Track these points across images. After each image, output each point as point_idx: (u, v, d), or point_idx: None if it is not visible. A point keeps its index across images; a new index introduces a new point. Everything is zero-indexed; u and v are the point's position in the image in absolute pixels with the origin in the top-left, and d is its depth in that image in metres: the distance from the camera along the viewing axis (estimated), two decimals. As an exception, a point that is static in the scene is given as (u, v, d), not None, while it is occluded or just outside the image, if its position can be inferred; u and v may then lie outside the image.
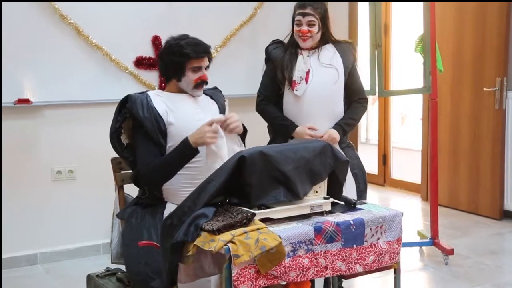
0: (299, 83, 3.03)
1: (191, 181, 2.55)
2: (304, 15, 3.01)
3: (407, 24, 6.33)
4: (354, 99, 3.15)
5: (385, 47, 6.03)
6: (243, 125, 2.65)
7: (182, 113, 2.61)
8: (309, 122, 3.04)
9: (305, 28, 3.01)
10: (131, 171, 2.76)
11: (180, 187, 2.58)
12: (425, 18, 4.02)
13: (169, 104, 2.62)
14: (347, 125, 3.10)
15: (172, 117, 2.58)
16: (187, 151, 2.50)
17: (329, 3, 3.79)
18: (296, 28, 3.05)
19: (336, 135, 3.04)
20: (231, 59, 4.21)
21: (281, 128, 3.12)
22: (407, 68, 6.65)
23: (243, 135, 2.71)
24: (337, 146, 3.00)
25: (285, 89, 3.09)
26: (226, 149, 2.49)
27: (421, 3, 4.04)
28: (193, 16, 4.12)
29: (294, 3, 3.09)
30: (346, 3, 4.85)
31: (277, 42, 3.20)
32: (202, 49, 2.65)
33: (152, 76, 4.07)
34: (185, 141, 2.50)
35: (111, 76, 3.97)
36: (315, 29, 3.02)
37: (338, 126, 3.08)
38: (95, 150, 3.91)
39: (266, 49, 3.20)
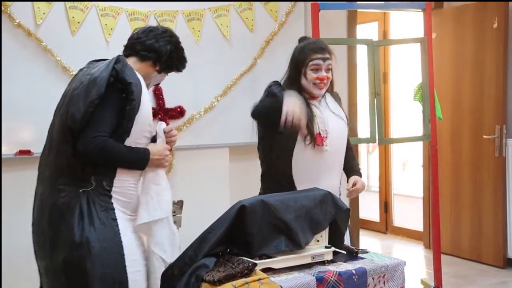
0: (326, 137, 2.73)
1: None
2: (324, 59, 2.73)
3: (406, 72, 6.41)
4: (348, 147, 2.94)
5: (384, 94, 6.10)
6: None
7: (146, 110, 2.46)
8: (328, 176, 2.76)
9: (325, 74, 2.73)
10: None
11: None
12: (423, 66, 4.08)
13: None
14: (359, 169, 2.96)
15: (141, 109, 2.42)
16: (141, 164, 2.43)
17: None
18: (313, 74, 2.72)
19: (362, 182, 2.87)
20: (232, 108, 4.25)
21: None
22: (407, 115, 6.70)
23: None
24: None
25: (305, 144, 2.70)
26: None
27: (419, 51, 4.11)
28: (194, 66, 4.16)
29: (291, 48, 2.87)
30: (345, 50, 4.92)
31: (278, 85, 2.82)
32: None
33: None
34: (146, 155, 2.42)
35: (112, 126, 3.99)
36: (331, 74, 2.78)
37: (357, 173, 2.91)
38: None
39: (270, 89, 2.78)
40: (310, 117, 2.67)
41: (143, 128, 2.45)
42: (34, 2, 3.61)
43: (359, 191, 2.83)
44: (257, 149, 2.90)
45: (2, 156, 3.59)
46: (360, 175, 2.90)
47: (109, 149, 2.32)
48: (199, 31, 4.14)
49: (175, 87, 4.09)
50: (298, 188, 2.68)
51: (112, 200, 2.40)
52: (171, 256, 2.45)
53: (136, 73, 2.44)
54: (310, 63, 2.72)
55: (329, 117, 2.77)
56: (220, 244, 2.15)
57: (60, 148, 2.37)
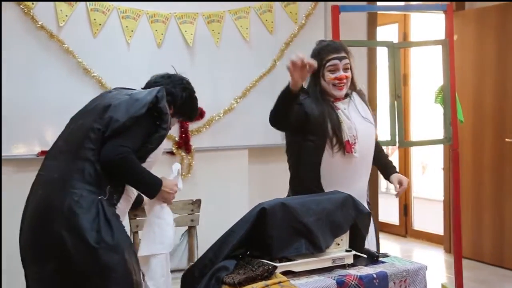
0: (355, 143, 2.66)
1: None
2: (341, 59, 2.68)
3: (426, 74, 6.36)
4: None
5: (404, 97, 6.05)
6: None
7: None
8: (357, 181, 2.73)
9: (343, 73, 2.68)
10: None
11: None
12: (445, 69, 4.04)
13: None
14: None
15: None
16: (153, 190, 2.47)
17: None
18: (330, 75, 2.67)
19: (405, 178, 2.91)
20: (251, 110, 4.24)
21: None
22: (426, 118, 6.65)
23: None
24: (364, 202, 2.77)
25: (334, 151, 2.65)
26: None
27: (440, 53, 4.07)
28: (214, 68, 4.18)
29: (311, 50, 2.80)
30: (365, 52, 4.89)
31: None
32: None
33: (173, 127, 4.08)
34: (159, 183, 2.48)
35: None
36: (350, 74, 2.71)
37: (395, 170, 2.96)
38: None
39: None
40: (337, 124, 2.63)
41: (157, 157, 2.54)
42: (57, 4, 3.65)
43: (405, 188, 2.88)
44: (285, 152, 2.86)
45: (24, 157, 3.63)
46: (397, 171, 2.93)
47: (130, 163, 2.35)
48: (219, 33, 4.14)
49: (195, 89, 4.10)
50: None
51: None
52: None
53: None
54: (327, 64, 2.68)
55: (357, 121, 2.71)
56: (240, 246, 2.15)
57: (81, 154, 2.35)
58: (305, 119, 2.62)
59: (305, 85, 2.72)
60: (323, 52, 2.70)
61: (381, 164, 2.97)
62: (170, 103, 2.58)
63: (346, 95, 2.75)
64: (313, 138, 2.66)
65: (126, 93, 2.54)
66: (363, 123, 2.72)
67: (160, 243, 2.50)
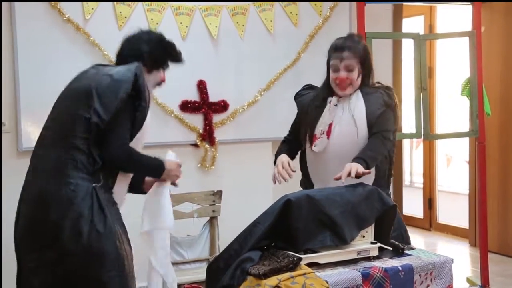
0: (319, 138, 2.60)
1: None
2: (341, 59, 2.59)
3: (452, 66, 6.28)
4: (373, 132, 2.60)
5: (430, 89, 5.99)
6: None
7: (148, 118, 2.54)
8: (333, 183, 2.45)
9: (343, 74, 2.59)
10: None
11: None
12: (472, 61, 3.99)
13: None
14: (369, 158, 2.49)
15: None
16: (158, 171, 2.50)
17: (373, 42, 3.84)
18: (332, 75, 2.62)
19: (354, 165, 2.41)
20: (275, 103, 4.25)
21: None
22: (452, 110, 6.58)
23: None
24: None
25: (307, 146, 2.68)
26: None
27: (467, 46, 4.02)
28: (238, 61, 4.19)
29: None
30: (390, 44, 4.85)
31: (307, 88, 2.88)
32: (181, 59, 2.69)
33: (197, 119, 4.12)
34: (161, 165, 2.50)
35: (157, 120, 4.02)
36: (354, 74, 2.60)
37: (357, 159, 2.48)
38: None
39: (296, 95, 2.88)
40: (313, 119, 2.64)
41: (144, 135, 2.51)
42: (83, -3, 3.69)
43: (346, 173, 2.39)
44: None
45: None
46: (360, 162, 2.45)
47: (135, 157, 2.42)
48: (243, 25, 4.15)
49: (219, 81, 4.12)
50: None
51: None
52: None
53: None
54: (330, 63, 2.65)
55: (342, 120, 2.60)
56: (265, 238, 2.16)
57: (73, 142, 2.34)
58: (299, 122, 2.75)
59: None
60: (329, 49, 2.68)
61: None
62: (146, 64, 2.54)
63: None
64: (302, 132, 2.73)
65: (104, 72, 2.46)
66: (346, 123, 2.60)
67: (162, 221, 2.55)
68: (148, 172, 2.56)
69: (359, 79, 2.62)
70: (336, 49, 2.62)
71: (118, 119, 2.35)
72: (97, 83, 2.40)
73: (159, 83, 2.65)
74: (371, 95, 2.62)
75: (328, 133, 2.59)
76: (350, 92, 2.62)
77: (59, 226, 2.28)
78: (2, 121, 3.59)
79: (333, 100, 2.64)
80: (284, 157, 2.70)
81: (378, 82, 2.74)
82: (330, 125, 2.59)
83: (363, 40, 2.76)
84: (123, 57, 2.60)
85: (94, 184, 2.33)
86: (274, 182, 2.63)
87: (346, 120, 2.59)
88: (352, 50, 2.59)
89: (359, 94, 2.63)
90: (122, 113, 2.36)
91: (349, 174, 2.34)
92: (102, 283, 2.29)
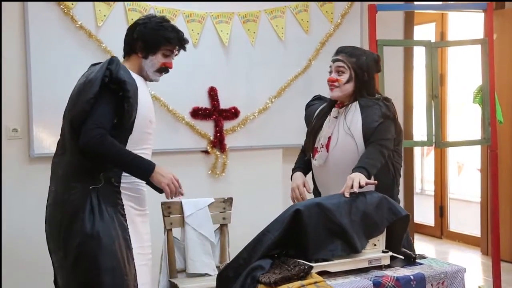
0: (319, 152, 2.64)
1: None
2: (334, 61, 2.66)
3: (464, 73, 6.25)
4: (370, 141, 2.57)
5: (441, 97, 5.97)
6: None
7: (144, 106, 2.52)
8: (337, 190, 2.44)
9: (333, 75, 2.64)
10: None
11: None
12: (484, 69, 3.98)
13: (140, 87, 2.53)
14: (368, 165, 2.47)
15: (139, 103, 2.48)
16: (142, 173, 2.43)
17: (384, 50, 3.82)
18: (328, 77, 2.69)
19: (356, 175, 2.38)
20: (286, 110, 4.24)
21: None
22: (463, 118, 6.54)
23: None
24: None
25: (310, 157, 2.75)
26: None
27: (479, 53, 4.00)
28: (249, 68, 4.19)
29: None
30: (401, 52, 4.84)
31: (316, 99, 2.93)
32: (184, 40, 2.65)
33: (207, 126, 4.12)
34: (151, 167, 2.43)
35: (168, 127, 4.04)
36: (344, 78, 2.60)
37: (356, 168, 2.46)
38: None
39: (306, 105, 2.95)
40: (314, 131, 2.71)
41: (144, 124, 2.49)
42: (96, 4, 3.70)
43: (348, 186, 2.37)
44: None
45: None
46: (360, 171, 2.44)
47: (108, 144, 2.34)
48: (254, 32, 4.15)
49: (230, 88, 4.12)
50: None
51: (122, 196, 2.46)
52: None
53: (131, 72, 2.50)
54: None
55: (340, 133, 2.61)
56: (275, 247, 2.15)
57: (71, 147, 2.43)
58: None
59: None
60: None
61: None
62: (134, 49, 2.56)
63: (349, 103, 2.65)
64: (305, 143, 2.83)
65: (87, 74, 2.51)
66: (343, 135, 2.61)
67: None
68: (129, 167, 2.42)
69: (349, 86, 2.62)
70: (335, 52, 2.69)
71: (92, 110, 2.35)
72: (77, 86, 2.49)
73: (162, 69, 2.62)
74: (369, 107, 2.60)
75: (327, 146, 2.63)
76: (338, 96, 2.64)
77: (61, 229, 2.41)
78: (15, 127, 3.62)
79: (333, 112, 2.68)
80: (299, 179, 2.75)
81: (378, 93, 2.73)
82: (329, 138, 2.63)
83: (372, 55, 2.72)
84: (124, 50, 2.65)
85: (91, 187, 2.38)
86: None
87: (343, 132, 2.61)
88: (347, 54, 2.63)
89: (357, 106, 2.63)
90: (96, 105, 2.35)
91: (352, 187, 2.33)
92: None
